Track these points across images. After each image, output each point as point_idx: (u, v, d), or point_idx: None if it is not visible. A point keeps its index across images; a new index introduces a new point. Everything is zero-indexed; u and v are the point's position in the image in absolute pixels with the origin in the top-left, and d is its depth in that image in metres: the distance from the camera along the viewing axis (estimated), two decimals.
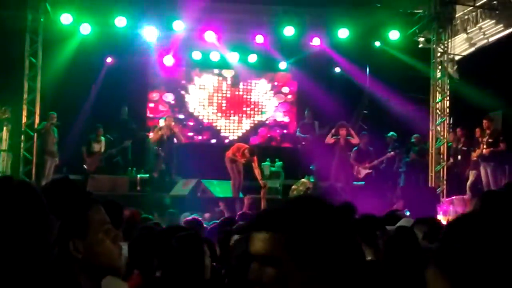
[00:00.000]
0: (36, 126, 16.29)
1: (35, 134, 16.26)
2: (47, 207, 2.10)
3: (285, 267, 1.84)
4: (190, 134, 20.14)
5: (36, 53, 16.29)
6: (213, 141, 20.36)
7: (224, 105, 20.57)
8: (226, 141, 20.22)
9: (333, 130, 17.14)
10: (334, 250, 1.85)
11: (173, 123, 17.57)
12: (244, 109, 20.69)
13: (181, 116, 20.07)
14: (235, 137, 20.38)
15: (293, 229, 1.84)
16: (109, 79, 18.50)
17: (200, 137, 20.44)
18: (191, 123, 20.41)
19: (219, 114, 20.57)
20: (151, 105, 20.31)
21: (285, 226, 1.85)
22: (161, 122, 18.34)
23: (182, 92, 20.35)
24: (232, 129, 20.61)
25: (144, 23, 17.27)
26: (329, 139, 17.00)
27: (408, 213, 12.82)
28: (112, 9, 16.75)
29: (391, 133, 17.74)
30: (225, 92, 20.61)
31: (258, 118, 20.73)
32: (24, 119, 16.14)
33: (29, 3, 16.11)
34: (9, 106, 15.83)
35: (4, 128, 15.66)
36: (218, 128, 20.53)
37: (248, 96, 20.75)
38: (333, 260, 1.85)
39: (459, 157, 16.73)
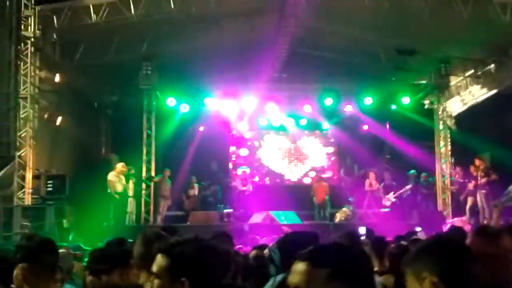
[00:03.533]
0: (153, 177, 17.18)
1: (152, 184, 17.16)
2: None
3: None
4: (257, 178, 20.23)
5: (151, 127, 17.37)
6: (277, 180, 20.66)
7: (283, 156, 20.90)
8: (287, 182, 20.53)
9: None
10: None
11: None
12: (299, 158, 20.95)
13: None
14: (295, 179, 20.71)
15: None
16: (202, 142, 18.91)
17: (268, 180, 20.62)
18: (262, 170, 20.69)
19: (281, 163, 20.89)
20: (233, 158, 20.68)
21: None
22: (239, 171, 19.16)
23: (253, 149, 20.81)
24: (290, 173, 20.87)
25: (223, 100, 18.12)
26: (367, 186, 17.42)
27: (419, 229, 13.57)
28: (202, 93, 17.83)
29: (412, 171, 17.64)
30: (285, 148, 20.94)
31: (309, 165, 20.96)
32: (143, 174, 17.15)
33: (144, 92, 17.12)
34: (133, 166, 16.59)
35: (130, 181, 16.43)
36: (281, 173, 20.83)
37: (302, 149, 20.97)
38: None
39: (458, 187, 16.97)
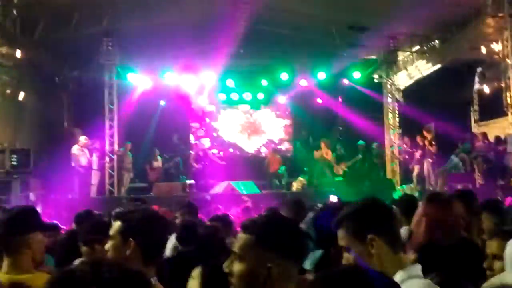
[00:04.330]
0: (115, 152, 17.01)
1: (115, 157, 16.98)
2: None
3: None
4: (215, 150, 20.14)
5: (113, 101, 17.12)
6: (236, 152, 20.77)
7: (240, 128, 21.11)
8: (244, 154, 20.66)
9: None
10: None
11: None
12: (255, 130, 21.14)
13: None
14: (252, 151, 20.96)
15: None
16: (163, 116, 18.94)
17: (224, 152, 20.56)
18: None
19: (238, 136, 21.09)
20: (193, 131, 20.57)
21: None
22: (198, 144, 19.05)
23: (213, 122, 20.90)
24: (247, 145, 21.10)
25: (183, 75, 18.15)
26: (316, 153, 17.54)
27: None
28: (162, 68, 17.79)
29: (360, 141, 17.85)
30: (242, 121, 21.09)
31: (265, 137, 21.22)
32: (106, 147, 16.94)
33: (105, 67, 16.82)
34: (96, 139, 16.36)
35: (94, 155, 16.18)
36: (238, 144, 21.01)
37: (258, 122, 21.21)
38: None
39: (406, 156, 17.43)
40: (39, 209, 12.00)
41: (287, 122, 21.41)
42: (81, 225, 4.33)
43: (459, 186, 12.49)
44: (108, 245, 2.63)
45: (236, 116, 21.27)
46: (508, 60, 13.67)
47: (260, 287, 1.99)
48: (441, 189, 13.91)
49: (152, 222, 2.65)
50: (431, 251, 2.72)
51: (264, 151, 20.76)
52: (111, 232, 2.63)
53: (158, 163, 17.78)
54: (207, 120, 21.07)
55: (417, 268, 2.15)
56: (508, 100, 13.81)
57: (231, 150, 21.06)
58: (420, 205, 3.34)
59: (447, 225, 3.00)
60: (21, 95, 15.27)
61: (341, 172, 17.57)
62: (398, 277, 2.04)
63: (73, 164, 15.23)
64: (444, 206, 3.18)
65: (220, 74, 18.28)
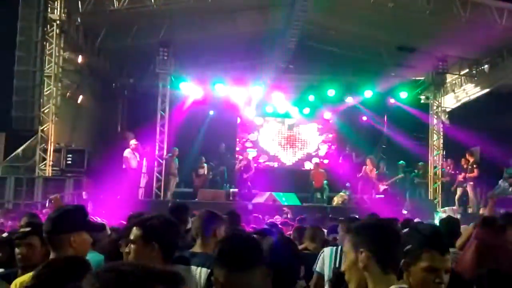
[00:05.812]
0: (164, 157, 16.81)
1: (163, 162, 16.79)
2: None
3: None
4: (262, 159, 20.31)
5: (165, 109, 17.01)
6: (278, 164, 20.72)
7: (284, 142, 20.95)
8: (286, 166, 20.55)
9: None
10: None
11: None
12: (297, 144, 21.03)
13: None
14: (292, 164, 20.75)
15: None
16: (212, 126, 19.01)
17: (269, 164, 20.62)
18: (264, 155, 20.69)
19: (281, 148, 20.93)
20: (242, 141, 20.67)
21: None
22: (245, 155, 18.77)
23: (258, 134, 20.81)
24: (288, 158, 20.96)
25: (233, 87, 18.07)
26: (363, 172, 17.03)
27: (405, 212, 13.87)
28: (213, 79, 17.74)
29: (401, 161, 17.52)
30: (285, 134, 20.98)
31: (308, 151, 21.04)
32: (156, 152, 16.81)
33: (160, 76, 16.72)
34: (146, 144, 16.22)
35: (144, 159, 16.22)
36: (281, 157, 20.90)
37: (301, 136, 21.05)
38: None
39: (448, 178, 16.96)
40: (89, 207, 12.35)
41: (331, 137, 21.24)
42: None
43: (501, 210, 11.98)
44: (128, 249, 2.81)
45: (280, 129, 21.17)
46: None
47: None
48: (489, 213, 13.40)
49: (170, 226, 2.91)
50: (496, 279, 2.55)
51: (308, 166, 20.50)
52: (132, 237, 2.80)
53: (203, 170, 17.70)
54: (255, 133, 21.02)
55: None
56: None
57: (276, 164, 20.93)
58: (466, 228, 3.15)
59: (500, 251, 2.79)
60: (80, 98, 15.66)
61: (382, 189, 17.12)
62: None
63: (124, 167, 15.30)
64: (498, 231, 3.10)
65: (268, 87, 18.26)
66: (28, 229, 3.39)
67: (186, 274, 3.02)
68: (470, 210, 15.65)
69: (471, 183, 15.65)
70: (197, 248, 3.52)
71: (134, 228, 2.80)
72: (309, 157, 20.96)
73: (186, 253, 3.36)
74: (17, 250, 3.34)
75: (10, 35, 13.85)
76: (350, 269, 2.16)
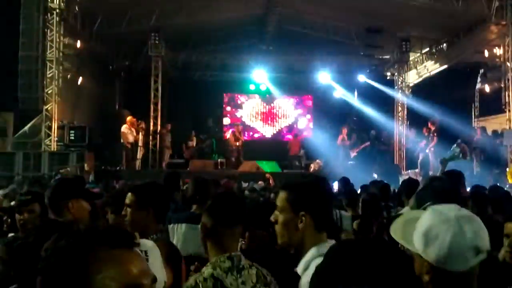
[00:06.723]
0: (158, 132, 16.80)
1: (158, 136, 16.86)
2: None
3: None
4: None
5: (158, 88, 16.85)
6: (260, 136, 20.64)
7: (265, 116, 20.92)
8: (267, 138, 20.57)
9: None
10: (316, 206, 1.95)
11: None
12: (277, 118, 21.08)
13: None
14: (272, 135, 20.73)
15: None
16: (201, 103, 18.80)
17: (253, 136, 20.58)
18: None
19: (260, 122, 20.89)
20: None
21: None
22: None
23: (241, 109, 20.74)
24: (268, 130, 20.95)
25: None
26: (339, 141, 17.15)
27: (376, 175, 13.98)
28: (201, 61, 17.76)
29: (372, 131, 17.74)
30: (267, 108, 20.96)
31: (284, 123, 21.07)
32: (151, 127, 16.88)
33: (152, 58, 16.47)
34: (142, 120, 16.30)
35: (140, 133, 16.42)
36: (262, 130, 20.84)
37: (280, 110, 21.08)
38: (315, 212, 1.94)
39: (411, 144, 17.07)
40: (91, 177, 12.45)
41: (308, 110, 21.28)
42: None
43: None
44: (125, 212, 2.77)
45: (262, 105, 21.08)
46: (508, 63, 13.70)
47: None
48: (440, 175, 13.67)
49: (160, 192, 2.90)
50: None
51: (287, 137, 20.46)
52: (128, 201, 2.77)
53: (192, 142, 17.84)
54: (238, 108, 20.98)
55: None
56: (507, 98, 13.83)
57: (258, 136, 20.92)
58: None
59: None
60: (80, 80, 15.60)
61: (353, 156, 17.19)
62: (310, 254, 1.91)
63: (121, 141, 15.33)
64: None
65: (251, 68, 18.26)
66: (29, 197, 3.38)
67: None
68: (431, 173, 15.92)
69: (432, 149, 15.75)
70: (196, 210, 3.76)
71: (129, 193, 2.78)
72: (289, 129, 20.98)
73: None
74: (18, 216, 3.33)
75: (14, 24, 13.70)
76: (286, 225, 1.94)
